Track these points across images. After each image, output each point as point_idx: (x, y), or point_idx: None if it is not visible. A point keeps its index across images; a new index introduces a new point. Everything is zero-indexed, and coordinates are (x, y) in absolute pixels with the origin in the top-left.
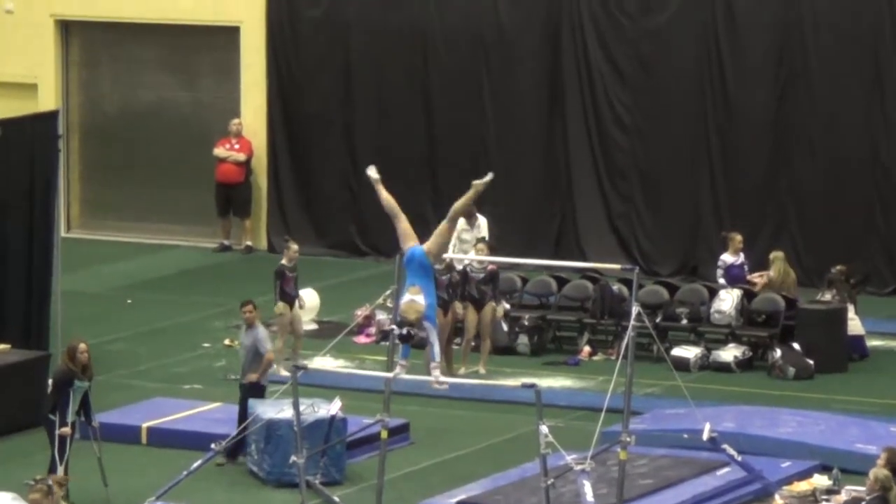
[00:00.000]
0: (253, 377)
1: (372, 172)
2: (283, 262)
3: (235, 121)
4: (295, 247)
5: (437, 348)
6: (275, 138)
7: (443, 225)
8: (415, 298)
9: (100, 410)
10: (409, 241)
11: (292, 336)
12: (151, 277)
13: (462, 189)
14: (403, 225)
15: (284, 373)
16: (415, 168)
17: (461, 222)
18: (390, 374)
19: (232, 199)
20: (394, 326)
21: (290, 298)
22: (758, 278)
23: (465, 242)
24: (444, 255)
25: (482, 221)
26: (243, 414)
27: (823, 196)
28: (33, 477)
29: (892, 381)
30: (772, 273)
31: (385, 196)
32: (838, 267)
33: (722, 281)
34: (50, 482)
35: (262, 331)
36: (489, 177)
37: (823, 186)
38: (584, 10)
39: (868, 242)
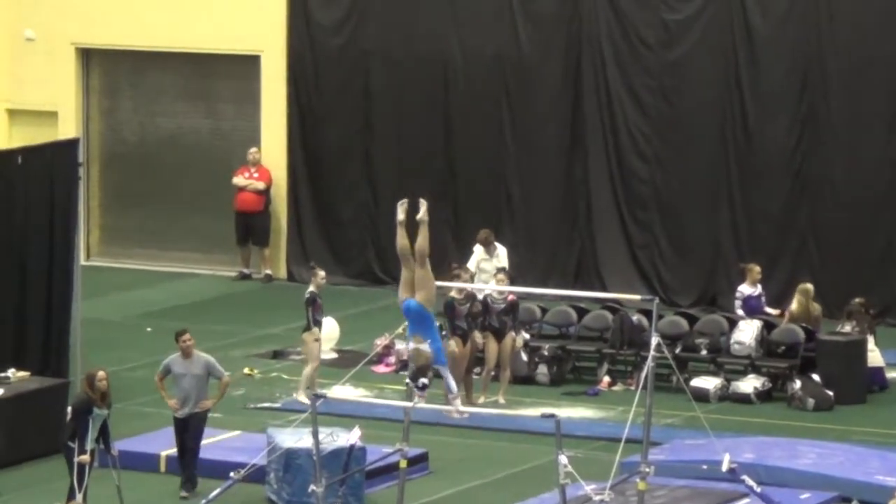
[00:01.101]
0: (209, 404)
1: (399, 213)
2: (312, 288)
3: (253, 150)
4: (322, 273)
5: (451, 383)
6: (295, 167)
7: (419, 272)
8: (419, 347)
9: (118, 438)
10: (405, 293)
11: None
12: (171, 305)
13: (481, 218)
14: (405, 275)
15: (305, 400)
16: (434, 197)
17: (480, 252)
18: (409, 404)
19: (251, 227)
20: (408, 381)
21: (319, 325)
22: (777, 315)
23: (485, 272)
24: (465, 286)
25: (501, 251)
26: (194, 446)
27: (843, 227)
28: None
29: None
30: (793, 307)
31: (400, 241)
32: (858, 299)
33: (740, 312)
34: None
35: (208, 357)
36: (424, 207)
37: (844, 218)
38: (604, 40)
39: (888, 273)
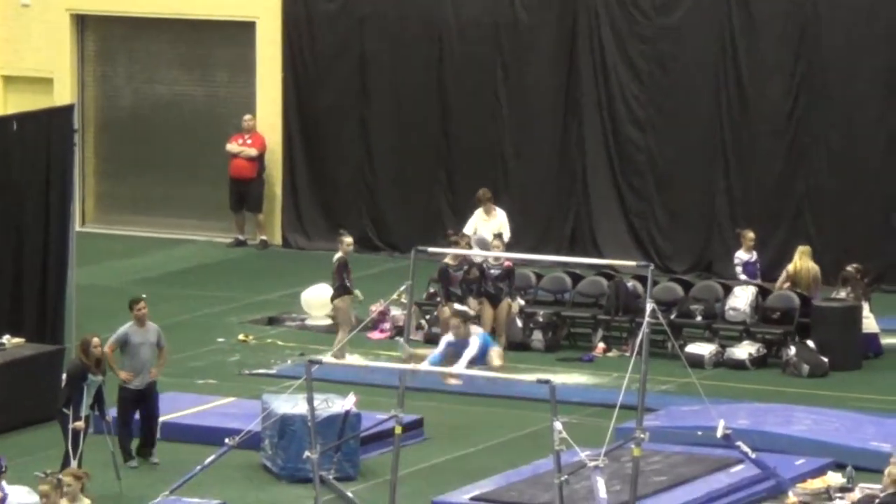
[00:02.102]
0: (157, 372)
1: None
2: (340, 254)
3: (247, 117)
4: (349, 239)
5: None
6: (290, 133)
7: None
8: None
9: (113, 405)
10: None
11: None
12: (166, 272)
13: (477, 182)
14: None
15: (348, 360)
16: (430, 161)
17: (479, 214)
18: (407, 366)
19: (245, 194)
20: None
21: (349, 291)
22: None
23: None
24: (460, 252)
25: (501, 215)
26: (157, 413)
27: (839, 194)
28: (44, 470)
29: None
30: (790, 267)
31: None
32: (852, 265)
33: (743, 277)
34: (60, 476)
35: (156, 326)
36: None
37: (839, 184)
38: (599, 6)
39: (883, 240)
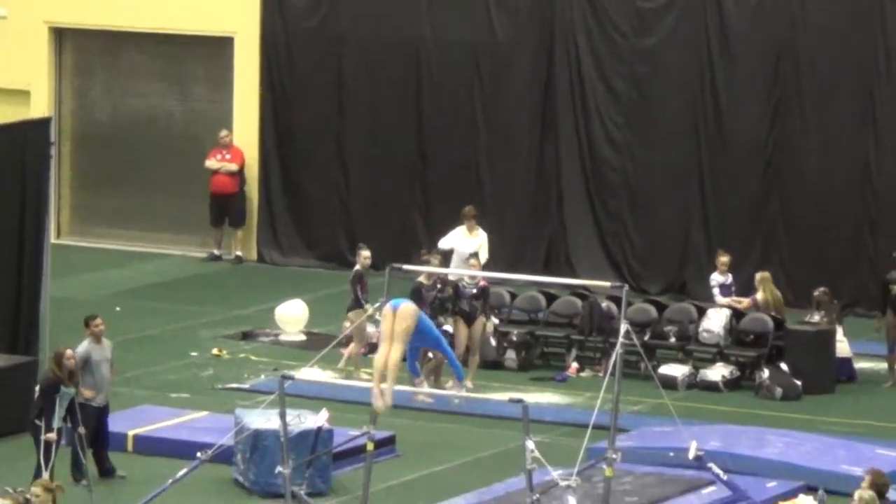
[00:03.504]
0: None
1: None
2: (358, 267)
3: (224, 132)
4: (366, 253)
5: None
6: (266, 149)
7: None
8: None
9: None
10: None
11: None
12: (140, 285)
13: (453, 201)
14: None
15: (365, 377)
16: (406, 180)
17: (463, 231)
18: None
19: (226, 209)
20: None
21: (364, 305)
22: (739, 303)
23: (461, 254)
24: (435, 271)
25: (483, 236)
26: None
27: (814, 217)
28: (13, 486)
29: (878, 404)
30: (759, 296)
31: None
32: (822, 288)
33: (720, 299)
34: (28, 496)
35: (109, 343)
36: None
37: (814, 208)
38: (578, 27)
39: (858, 264)
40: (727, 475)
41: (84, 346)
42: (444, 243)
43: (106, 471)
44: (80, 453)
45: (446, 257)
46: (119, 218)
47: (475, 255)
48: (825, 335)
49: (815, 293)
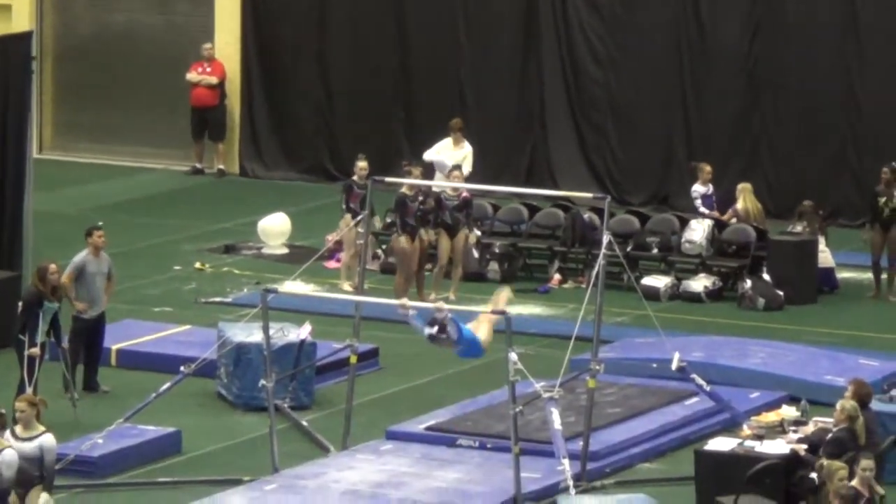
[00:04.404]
0: (106, 300)
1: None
2: (354, 178)
3: (207, 45)
4: (362, 163)
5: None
6: (248, 62)
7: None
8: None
9: (70, 332)
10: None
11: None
12: (123, 200)
13: (435, 114)
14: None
15: (348, 288)
16: (388, 96)
17: (449, 143)
18: (359, 298)
19: (207, 122)
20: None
21: (354, 213)
22: (727, 216)
23: (444, 165)
24: (417, 183)
25: (467, 148)
26: (99, 345)
27: (796, 130)
28: None
29: (861, 314)
30: (739, 205)
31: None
32: (807, 201)
33: (703, 210)
34: (2, 411)
35: (108, 256)
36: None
37: (796, 120)
38: None
39: (840, 175)
40: (710, 386)
41: (81, 257)
42: (429, 155)
43: (90, 388)
44: (64, 367)
45: (428, 169)
46: (101, 132)
47: (458, 167)
48: (807, 245)
49: (802, 204)
